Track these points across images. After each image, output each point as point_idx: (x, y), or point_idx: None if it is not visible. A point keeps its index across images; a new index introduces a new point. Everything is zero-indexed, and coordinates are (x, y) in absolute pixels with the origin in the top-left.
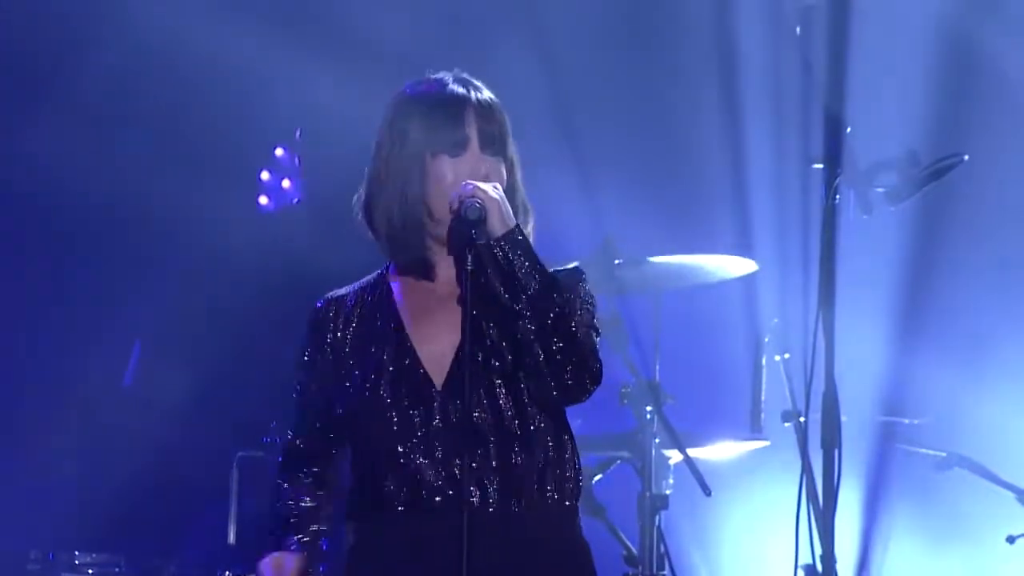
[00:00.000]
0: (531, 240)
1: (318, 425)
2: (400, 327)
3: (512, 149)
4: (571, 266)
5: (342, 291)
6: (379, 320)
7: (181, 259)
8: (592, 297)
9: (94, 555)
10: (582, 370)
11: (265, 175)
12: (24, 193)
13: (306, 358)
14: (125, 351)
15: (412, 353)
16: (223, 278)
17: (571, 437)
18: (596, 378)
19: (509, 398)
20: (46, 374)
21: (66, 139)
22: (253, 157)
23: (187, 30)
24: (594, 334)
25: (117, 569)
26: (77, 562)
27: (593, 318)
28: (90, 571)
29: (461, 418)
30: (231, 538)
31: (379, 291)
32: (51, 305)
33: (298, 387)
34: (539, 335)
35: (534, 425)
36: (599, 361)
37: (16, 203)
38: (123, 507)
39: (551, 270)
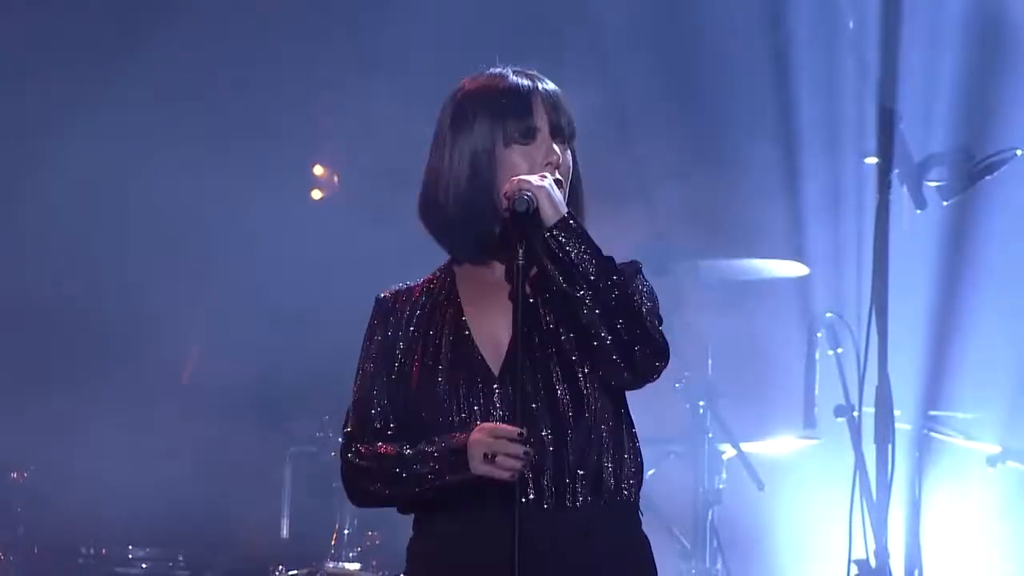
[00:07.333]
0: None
1: (377, 412)
2: (460, 316)
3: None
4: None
5: (407, 284)
6: (440, 311)
7: (232, 257)
8: (651, 289)
9: (147, 549)
10: (649, 347)
11: (318, 169)
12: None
13: (369, 347)
14: (181, 349)
15: (470, 341)
16: (275, 275)
17: (631, 429)
18: (664, 355)
19: (566, 387)
20: (102, 370)
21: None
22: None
23: None
24: (656, 321)
25: (170, 564)
26: (131, 556)
27: (655, 307)
28: (143, 565)
29: (516, 408)
30: (284, 532)
31: (443, 283)
32: (107, 304)
33: (359, 377)
34: (603, 318)
35: (591, 415)
36: (664, 338)
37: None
38: (176, 502)
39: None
